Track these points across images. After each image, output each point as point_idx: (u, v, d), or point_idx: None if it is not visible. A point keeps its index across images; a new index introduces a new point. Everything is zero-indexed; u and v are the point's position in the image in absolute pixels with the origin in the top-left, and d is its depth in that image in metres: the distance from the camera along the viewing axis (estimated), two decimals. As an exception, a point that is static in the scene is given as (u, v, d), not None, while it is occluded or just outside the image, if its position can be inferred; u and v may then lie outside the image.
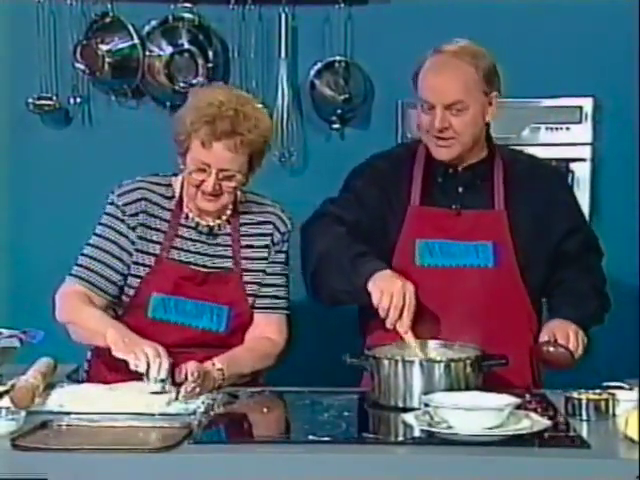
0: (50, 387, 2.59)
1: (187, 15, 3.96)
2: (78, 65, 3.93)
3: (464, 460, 2.17)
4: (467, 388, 2.50)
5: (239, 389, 2.71)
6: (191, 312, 2.83)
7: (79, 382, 2.83)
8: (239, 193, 2.90)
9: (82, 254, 2.88)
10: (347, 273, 2.76)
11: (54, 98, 3.97)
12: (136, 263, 2.84)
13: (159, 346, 2.63)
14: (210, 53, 3.97)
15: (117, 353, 2.64)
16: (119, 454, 2.19)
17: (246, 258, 2.89)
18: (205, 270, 2.86)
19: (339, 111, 4.01)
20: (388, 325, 2.68)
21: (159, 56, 3.98)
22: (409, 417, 2.33)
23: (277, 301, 2.92)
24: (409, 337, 2.68)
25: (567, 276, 2.89)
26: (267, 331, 2.90)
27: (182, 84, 3.90)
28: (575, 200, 3.03)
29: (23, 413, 2.33)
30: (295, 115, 4.00)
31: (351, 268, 2.76)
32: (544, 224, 2.87)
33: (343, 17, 3.95)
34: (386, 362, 2.57)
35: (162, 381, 2.57)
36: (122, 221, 2.85)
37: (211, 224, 2.89)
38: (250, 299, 2.89)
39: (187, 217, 2.88)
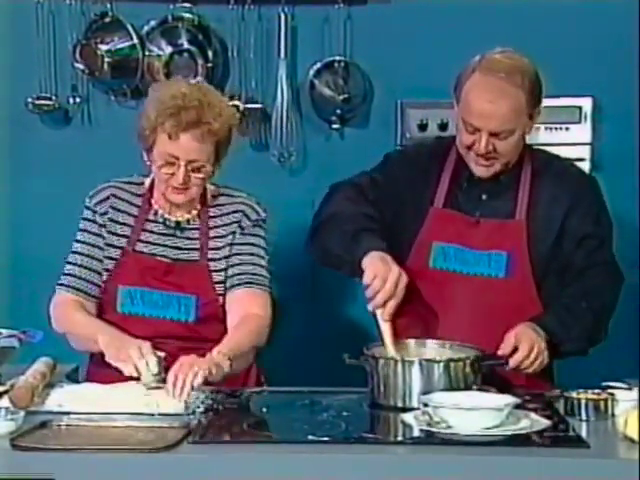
0: (49, 387, 2.59)
1: (186, 15, 3.95)
2: (77, 65, 3.93)
3: (463, 460, 2.17)
4: (466, 388, 2.50)
5: (238, 389, 2.72)
6: (157, 303, 2.85)
7: (78, 382, 2.83)
8: (212, 187, 2.92)
9: (67, 262, 2.93)
10: (347, 241, 2.78)
11: (53, 98, 3.96)
12: (106, 257, 2.89)
13: (144, 343, 2.64)
14: (209, 53, 3.97)
15: (110, 360, 2.66)
16: (119, 454, 2.19)
17: (213, 248, 2.89)
18: (168, 261, 2.87)
19: (338, 111, 4.00)
20: (370, 307, 2.69)
21: (158, 56, 3.98)
22: (408, 417, 2.33)
23: (251, 276, 2.88)
24: (387, 327, 2.68)
25: (565, 297, 2.80)
26: (252, 306, 2.85)
27: (181, 84, 3.89)
28: (597, 210, 2.89)
29: (22, 413, 2.34)
30: (294, 115, 3.99)
31: (352, 238, 2.78)
32: (562, 235, 2.83)
33: (342, 17, 3.95)
34: (385, 362, 2.57)
35: (155, 375, 2.58)
36: (94, 222, 2.91)
37: (180, 220, 2.90)
38: (218, 287, 2.87)
39: (156, 213, 2.91)
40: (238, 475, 2.17)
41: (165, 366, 2.61)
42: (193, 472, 2.18)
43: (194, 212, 2.90)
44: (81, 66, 3.93)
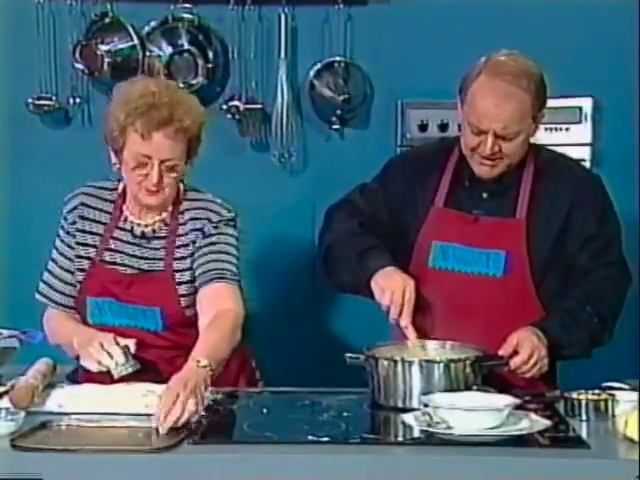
0: (50, 387, 2.59)
1: (187, 15, 3.96)
2: (78, 65, 3.93)
3: (463, 460, 2.17)
4: (467, 388, 2.50)
5: (239, 389, 2.72)
6: (124, 314, 2.81)
7: (78, 382, 2.83)
8: (180, 187, 2.84)
9: (46, 269, 2.91)
10: (353, 267, 2.81)
11: (54, 98, 3.97)
12: (77, 269, 2.86)
13: (106, 336, 2.65)
14: (210, 53, 3.97)
15: (83, 364, 2.68)
16: (119, 454, 2.19)
17: (178, 258, 2.82)
18: (131, 272, 2.82)
19: (339, 111, 4.01)
20: (390, 320, 2.71)
21: (159, 56, 3.98)
22: (409, 417, 2.33)
23: (218, 271, 2.77)
24: (410, 332, 2.70)
25: (569, 299, 2.79)
26: (221, 303, 2.73)
27: (182, 84, 3.89)
28: (602, 210, 2.86)
29: (22, 414, 2.34)
30: (295, 115, 4.00)
31: (357, 262, 2.80)
32: (564, 235, 2.83)
33: (343, 17, 3.95)
34: (386, 362, 2.57)
35: (122, 365, 2.61)
36: (67, 232, 2.88)
37: (149, 222, 2.83)
38: (184, 300, 2.80)
39: (125, 220, 2.85)
40: (238, 475, 2.17)
41: (136, 352, 2.64)
42: (193, 472, 2.18)
43: (165, 214, 2.83)
44: (81, 66, 3.93)
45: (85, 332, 2.76)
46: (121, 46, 3.95)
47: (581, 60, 3.86)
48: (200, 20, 3.96)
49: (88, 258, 2.84)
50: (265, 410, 2.57)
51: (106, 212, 2.86)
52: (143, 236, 2.84)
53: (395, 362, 2.56)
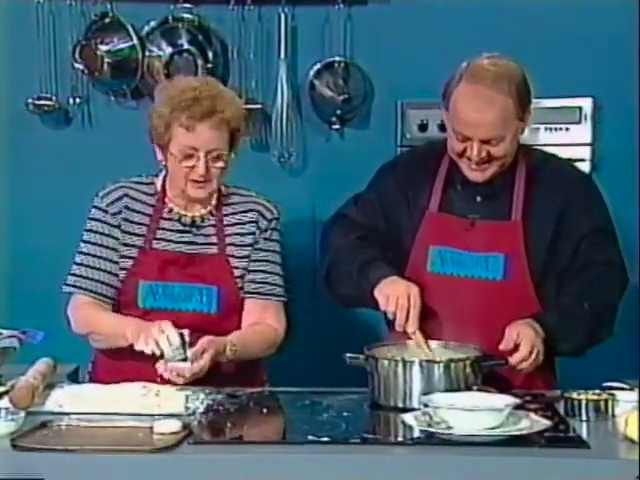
0: (50, 387, 2.59)
1: (187, 15, 3.96)
2: (77, 65, 3.93)
3: (463, 460, 2.17)
4: (467, 388, 2.50)
5: (239, 389, 2.71)
6: (180, 295, 2.87)
7: (79, 382, 2.84)
8: (222, 187, 2.94)
9: (75, 263, 2.93)
10: (355, 280, 2.82)
11: (53, 98, 3.97)
12: (122, 257, 2.90)
13: (164, 322, 2.68)
14: (210, 53, 3.97)
15: (137, 348, 2.70)
16: (119, 454, 2.19)
17: (231, 244, 2.93)
18: (185, 255, 2.90)
19: (339, 111, 4.01)
20: (397, 327, 2.71)
21: (159, 56, 3.98)
22: (409, 417, 2.33)
23: (270, 287, 2.94)
24: (418, 336, 2.71)
25: (565, 295, 2.80)
26: (265, 318, 2.94)
27: (182, 84, 3.89)
28: (594, 209, 2.88)
29: (22, 413, 2.34)
30: (295, 115, 4.00)
31: (359, 275, 2.81)
32: (559, 235, 2.83)
33: (343, 17, 3.95)
34: (386, 362, 2.57)
35: (177, 349, 2.64)
36: (106, 223, 2.91)
37: (196, 214, 2.92)
38: (239, 281, 2.91)
39: (170, 211, 2.93)
40: (238, 475, 2.17)
41: (191, 341, 2.67)
42: (193, 472, 2.18)
43: (209, 207, 2.92)
44: (81, 66, 3.93)
45: (138, 322, 2.78)
46: (121, 46, 3.95)
47: (581, 60, 3.86)
48: (200, 20, 3.96)
49: (135, 246, 2.90)
50: (265, 410, 2.56)
51: (149, 204, 2.94)
52: (193, 224, 2.92)
53: (395, 362, 2.56)
